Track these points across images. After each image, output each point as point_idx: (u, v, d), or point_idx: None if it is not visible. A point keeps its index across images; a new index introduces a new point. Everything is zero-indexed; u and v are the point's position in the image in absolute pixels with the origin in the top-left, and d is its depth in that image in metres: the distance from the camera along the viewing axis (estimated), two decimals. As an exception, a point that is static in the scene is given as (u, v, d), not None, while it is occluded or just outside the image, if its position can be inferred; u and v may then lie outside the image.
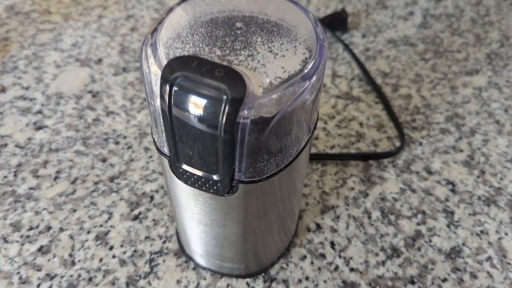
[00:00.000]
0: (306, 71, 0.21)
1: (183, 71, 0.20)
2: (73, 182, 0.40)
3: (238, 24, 0.23)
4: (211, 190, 0.24)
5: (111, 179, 0.40)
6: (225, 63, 0.21)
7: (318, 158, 0.43)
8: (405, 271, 0.36)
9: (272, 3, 0.24)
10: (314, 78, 0.21)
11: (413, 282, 0.35)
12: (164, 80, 0.20)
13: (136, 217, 0.38)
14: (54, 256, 0.35)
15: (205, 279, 0.34)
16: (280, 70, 0.21)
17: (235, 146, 0.21)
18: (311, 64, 0.21)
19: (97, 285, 0.34)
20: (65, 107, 0.46)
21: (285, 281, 0.35)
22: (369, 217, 0.39)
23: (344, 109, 0.48)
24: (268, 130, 0.21)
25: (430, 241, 0.38)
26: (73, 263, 0.35)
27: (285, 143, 0.23)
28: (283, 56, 0.21)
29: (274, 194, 0.27)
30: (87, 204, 0.38)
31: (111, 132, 0.44)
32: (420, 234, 0.38)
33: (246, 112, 0.20)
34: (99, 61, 0.52)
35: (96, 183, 0.40)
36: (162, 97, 0.20)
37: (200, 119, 0.20)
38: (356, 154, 0.44)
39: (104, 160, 0.42)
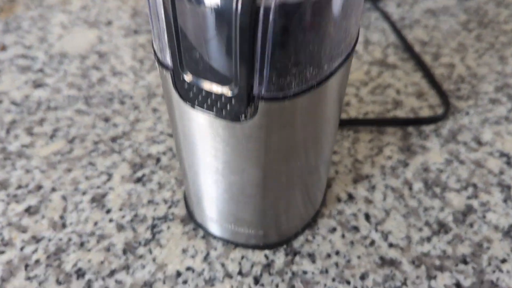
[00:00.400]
0: None
1: None
2: (70, 141, 0.35)
3: None
4: (224, 112, 0.19)
5: (113, 139, 0.35)
6: None
7: (350, 123, 0.38)
8: (455, 249, 0.30)
9: None
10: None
11: (465, 262, 0.29)
12: None
13: (139, 180, 0.33)
14: (43, 218, 0.30)
15: (215, 249, 0.29)
16: None
17: (255, 43, 0.16)
18: None
19: (89, 250, 0.29)
20: (69, 66, 0.42)
21: (310, 255, 0.29)
22: (410, 189, 0.33)
23: (379, 76, 0.43)
24: (298, 19, 0.16)
25: (484, 217, 0.32)
26: (64, 226, 0.30)
27: (317, 48, 0.17)
28: None
29: (298, 130, 0.21)
30: (85, 164, 0.34)
31: (117, 92, 0.40)
32: (471, 209, 0.32)
33: (270, -10, 0.15)
34: (109, 23, 0.48)
35: (96, 143, 0.35)
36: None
37: (209, 2, 0.15)
38: (393, 119, 0.38)
39: (107, 120, 0.37)
